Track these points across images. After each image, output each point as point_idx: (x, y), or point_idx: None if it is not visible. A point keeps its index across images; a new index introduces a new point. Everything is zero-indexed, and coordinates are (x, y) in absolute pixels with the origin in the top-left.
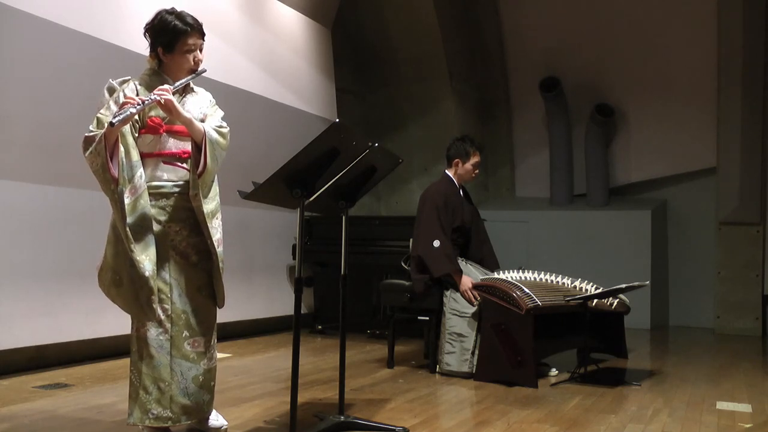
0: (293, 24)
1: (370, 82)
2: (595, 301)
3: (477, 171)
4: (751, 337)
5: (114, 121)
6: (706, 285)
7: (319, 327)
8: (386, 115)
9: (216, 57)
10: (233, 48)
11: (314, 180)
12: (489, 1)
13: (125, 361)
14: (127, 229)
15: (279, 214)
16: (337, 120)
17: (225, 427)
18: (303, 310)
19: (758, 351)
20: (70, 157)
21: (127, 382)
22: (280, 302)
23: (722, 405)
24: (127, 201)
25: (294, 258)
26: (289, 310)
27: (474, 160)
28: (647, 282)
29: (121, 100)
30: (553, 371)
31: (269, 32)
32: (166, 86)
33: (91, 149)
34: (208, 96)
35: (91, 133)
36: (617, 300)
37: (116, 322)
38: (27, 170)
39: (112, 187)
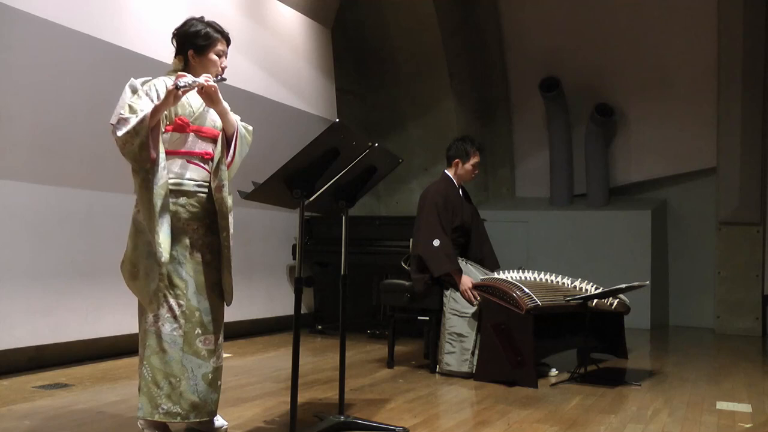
0: (293, 24)
1: (370, 82)
2: (595, 301)
3: (476, 171)
4: (751, 337)
5: (180, 84)
6: (706, 285)
7: (319, 327)
8: (386, 115)
9: None
10: (233, 48)
11: (314, 180)
12: (489, 1)
13: (125, 361)
14: (156, 210)
15: (279, 214)
16: (337, 120)
17: (225, 427)
18: (303, 310)
19: (758, 351)
20: (70, 157)
21: (127, 381)
22: (280, 302)
23: (722, 405)
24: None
25: (294, 258)
26: (289, 310)
27: (474, 160)
28: (647, 282)
29: (153, 92)
30: (553, 371)
31: (269, 32)
32: (208, 75)
33: (128, 128)
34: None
35: (125, 115)
36: (617, 300)
37: (116, 322)
38: (27, 170)
39: (147, 167)
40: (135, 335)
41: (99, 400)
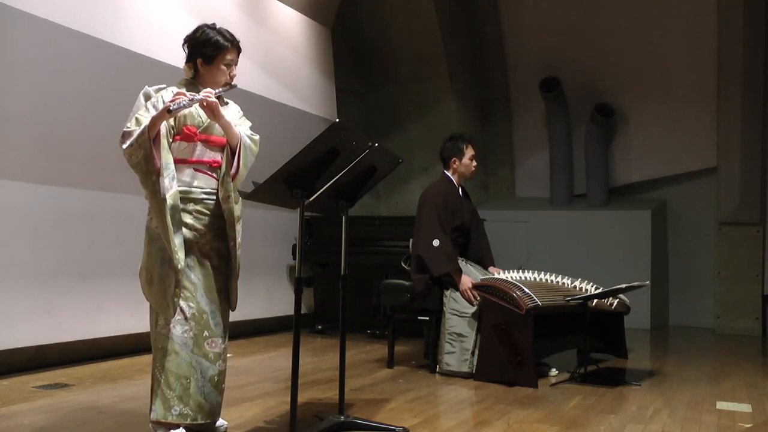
0: (293, 24)
1: (370, 82)
2: (595, 301)
3: (476, 163)
4: (751, 337)
5: (171, 107)
6: (706, 285)
7: (319, 327)
8: (386, 115)
9: None
10: None
11: (314, 180)
12: (489, 1)
13: (125, 361)
14: (168, 217)
15: (279, 214)
16: (337, 120)
17: (225, 427)
18: (303, 310)
19: (758, 351)
20: (70, 157)
21: (127, 381)
22: (280, 302)
23: (722, 405)
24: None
25: (294, 258)
26: (289, 310)
27: (469, 153)
28: (647, 282)
29: (160, 103)
30: (553, 371)
31: (269, 32)
32: (209, 90)
33: (131, 141)
34: (237, 108)
35: (130, 129)
36: (617, 300)
37: (116, 322)
38: (27, 170)
39: (154, 178)
40: (135, 335)
41: (99, 400)
